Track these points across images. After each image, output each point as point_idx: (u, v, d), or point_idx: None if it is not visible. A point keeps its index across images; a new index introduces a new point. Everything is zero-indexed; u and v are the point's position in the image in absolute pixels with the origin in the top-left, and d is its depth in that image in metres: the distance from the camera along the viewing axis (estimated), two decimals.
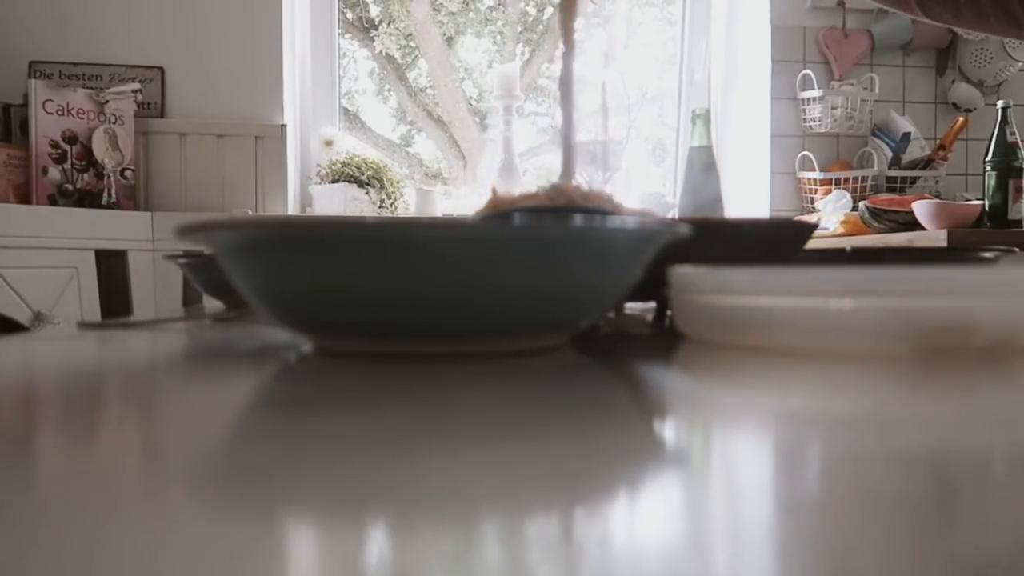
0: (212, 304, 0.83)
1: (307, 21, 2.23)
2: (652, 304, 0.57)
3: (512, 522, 0.13)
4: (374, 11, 2.60)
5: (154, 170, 2.05)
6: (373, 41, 2.55)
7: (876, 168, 2.19)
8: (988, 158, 1.88)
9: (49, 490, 0.15)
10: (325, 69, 2.25)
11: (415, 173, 2.59)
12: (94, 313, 1.33)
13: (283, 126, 2.08)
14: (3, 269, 1.59)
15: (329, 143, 2.14)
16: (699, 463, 0.18)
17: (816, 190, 2.19)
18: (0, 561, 0.11)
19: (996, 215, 1.86)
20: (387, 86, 2.63)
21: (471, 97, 2.64)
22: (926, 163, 2.19)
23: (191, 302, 1.24)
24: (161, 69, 2.05)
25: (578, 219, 0.31)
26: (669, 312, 0.55)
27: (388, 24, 2.57)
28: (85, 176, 1.92)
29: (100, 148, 1.93)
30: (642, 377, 0.32)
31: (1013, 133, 1.86)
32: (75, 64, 2.01)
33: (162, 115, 2.05)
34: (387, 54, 2.56)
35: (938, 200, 1.88)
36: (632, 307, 0.61)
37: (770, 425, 0.22)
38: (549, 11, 2.70)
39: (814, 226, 0.55)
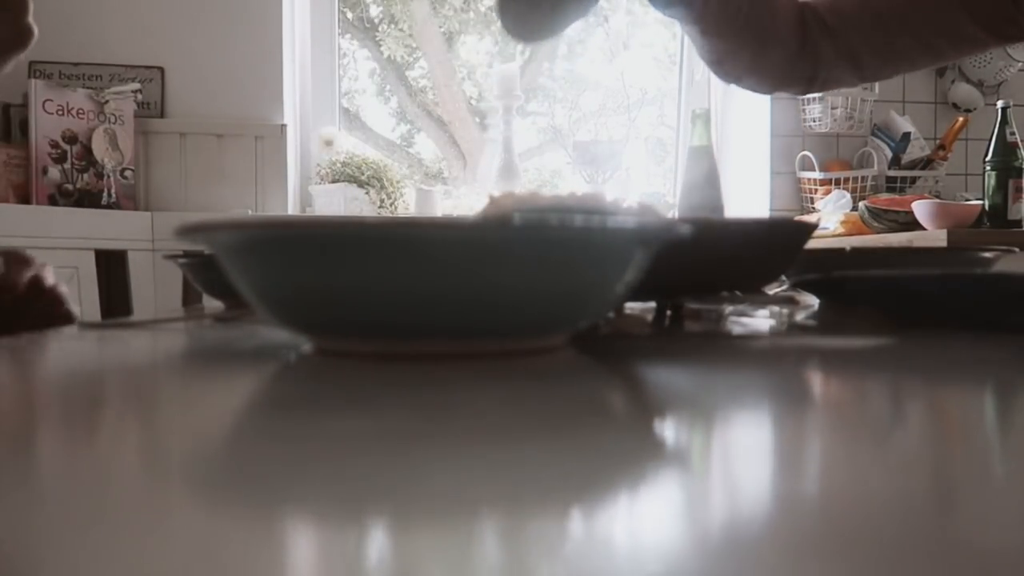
0: (212, 304, 0.83)
1: (307, 21, 2.23)
2: (652, 304, 0.57)
3: (512, 522, 0.13)
4: (374, 11, 2.60)
5: (154, 170, 2.05)
6: (380, 46, 2.55)
7: (876, 168, 2.19)
8: (988, 158, 1.88)
9: (49, 490, 0.15)
10: (325, 69, 2.25)
11: (415, 173, 2.59)
12: (94, 313, 1.33)
13: (283, 126, 2.08)
14: None
15: (329, 143, 2.14)
16: (699, 463, 0.18)
17: (816, 190, 2.19)
18: (0, 561, 0.11)
19: (996, 215, 1.86)
20: (387, 86, 2.64)
21: (471, 97, 2.64)
22: (926, 163, 2.19)
23: (191, 302, 1.24)
24: (161, 69, 2.05)
25: (578, 219, 0.31)
26: (669, 312, 0.56)
27: (390, 24, 2.57)
28: (85, 176, 1.92)
29: (100, 148, 1.93)
30: (642, 377, 0.32)
31: (1013, 133, 1.86)
32: (75, 64, 2.01)
33: (162, 115, 2.05)
34: (388, 54, 2.56)
35: (938, 200, 1.88)
36: (632, 307, 0.61)
37: (772, 424, 0.22)
38: None
39: (814, 226, 0.55)
